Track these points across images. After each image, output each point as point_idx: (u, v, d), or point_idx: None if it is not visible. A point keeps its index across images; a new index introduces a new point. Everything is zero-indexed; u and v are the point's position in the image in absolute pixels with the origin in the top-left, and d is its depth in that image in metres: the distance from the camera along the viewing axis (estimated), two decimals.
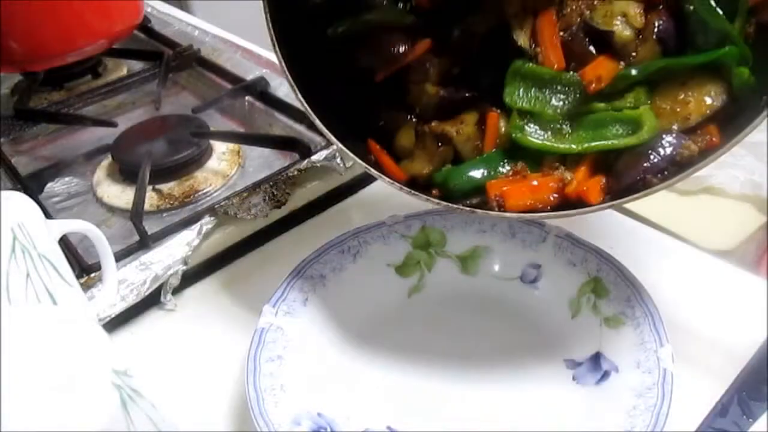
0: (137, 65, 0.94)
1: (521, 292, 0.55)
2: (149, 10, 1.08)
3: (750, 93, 0.41)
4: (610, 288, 0.51)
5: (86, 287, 0.56)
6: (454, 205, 0.46)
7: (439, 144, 0.50)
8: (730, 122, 0.41)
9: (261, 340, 0.49)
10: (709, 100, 0.42)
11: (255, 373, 0.47)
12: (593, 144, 0.44)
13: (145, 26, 0.99)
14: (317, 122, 0.49)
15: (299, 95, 0.49)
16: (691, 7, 0.44)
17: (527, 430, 0.46)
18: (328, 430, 0.46)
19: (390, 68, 0.52)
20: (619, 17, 0.46)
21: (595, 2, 0.47)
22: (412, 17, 0.53)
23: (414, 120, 0.52)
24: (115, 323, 0.57)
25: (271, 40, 0.49)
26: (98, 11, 0.81)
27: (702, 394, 0.38)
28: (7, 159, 0.73)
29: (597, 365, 0.49)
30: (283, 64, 0.49)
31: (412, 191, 0.47)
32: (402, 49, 0.51)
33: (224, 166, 0.72)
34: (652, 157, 0.41)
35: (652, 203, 0.45)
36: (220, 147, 0.74)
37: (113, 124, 0.78)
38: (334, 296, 0.54)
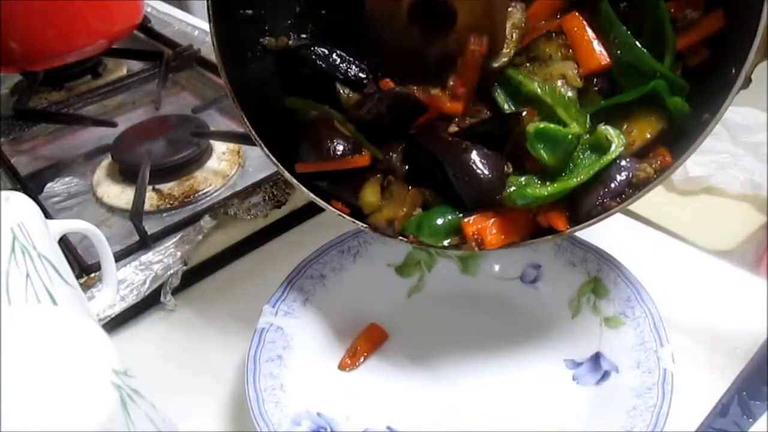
0: (137, 65, 0.94)
1: (521, 292, 0.55)
2: (149, 10, 1.08)
3: (689, 116, 0.43)
4: (610, 288, 0.51)
5: (86, 287, 0.56)
6: (435, 246, 0.46)
7: (409, 187, 0.49)
8: (679, 141, 0.43)
9: (261, 340, 0.49)
10: (650, 127, 0.44)
11: (255, 373, 0.47)
12: (587, 171, 0.44)
13: (145, 26, 0.99)
14: (300, 187, 0.50)
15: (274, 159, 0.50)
16: (619, 52, 0.46)
17: (527, 430, 0.46)
18: (328, 430, 0.46)
19: (324, 167, 0.50)
20: (559, 80, 0.47)
21: (532, 67, 0.48)
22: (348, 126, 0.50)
23: (379, 176, 0.49)
24: (115, 323, 0.57)
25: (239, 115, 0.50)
26: (98, 11, 0.81)
27: (702, 394, 0.38)
28: (7, 159, 0.73)
29: (597, 365, 0.49)
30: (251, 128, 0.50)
31: (389, 235, 0.47)
32: (340, 149, 0.49)
33: (224, 166, 0.72)
34: (609, 182, 0.43)
35: (652, 203, 0.45)
36: (220, 147, 0.74)
37: (113, 124, 0.78)
38: (334, 296, 0.54)
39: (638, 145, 0.44)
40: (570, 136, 0.43)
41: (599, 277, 0.52)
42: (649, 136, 0.44)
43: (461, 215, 0.46)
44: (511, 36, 0.48)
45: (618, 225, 0.45)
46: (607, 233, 0.47)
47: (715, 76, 0.42)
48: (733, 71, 0.40)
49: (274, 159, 0.50)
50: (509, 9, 0.48)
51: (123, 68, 0.96)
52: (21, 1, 0.74)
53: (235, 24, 0.51)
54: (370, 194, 0.49)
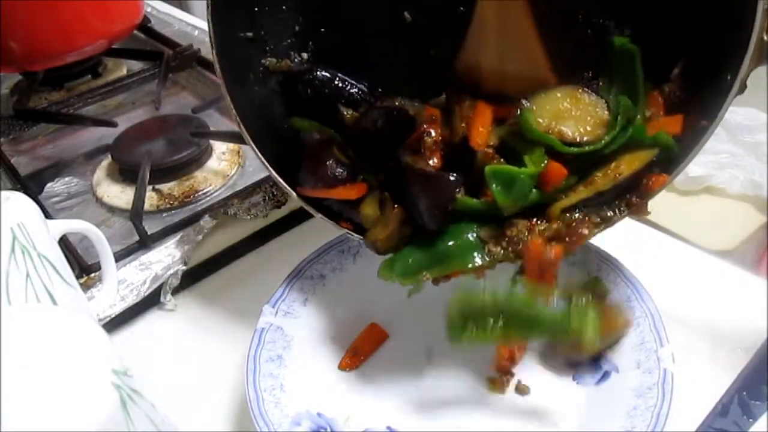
0: (137, 65, 0.94)
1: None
2: (149, 10, 1.08)
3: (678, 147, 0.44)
4: (610, 288, 0.51)
5: (86, 287, 0.56)
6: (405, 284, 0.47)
7: (394, 206, 0.49)
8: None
9: (261, 340, 0.49)
10: (637, 160, 0.45)
11: (255, 373, 0.47)
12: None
13: (145, 26, 0.99)
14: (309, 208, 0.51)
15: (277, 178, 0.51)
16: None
17: (527, 430, 0.46)
18: (328, 430, 0.46)
19: (320, 194, 0.50)
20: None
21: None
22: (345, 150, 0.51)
23: (377, 192, 0.50)
24: (115, 323, 0.57)
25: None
26: (98, 11, 0.81)
27: (702, 394, 0.38)
28: (7, 159, 0.73)
29: (597, 365, 0.49)
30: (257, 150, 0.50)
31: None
32: (336, 176, 0.49)
33: (224, 166, 0.72)
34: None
35: (653, 203, 0.45)
36: (220, 147, 0.74)
37: (113, 124, 0.79)
38: (334, 296, 0.54)
39: (625, 175, 0.44)
40: (523, 176, 0.44)
41: (599, 277, 0.52)
42: (637, 168, 0.45)
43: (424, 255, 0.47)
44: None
45: (618, 225, 0.45)
46: (607, 233, 0.47)
47: (710, 82, 0.42)
48: (729, 78, 0.40)
49: (282, 182, 0.50)
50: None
51: (123, 68, 0.96)
52: (21, 1, 0.74)
53: (237, 47, 0.51)
54: (368, 208, 0.49)
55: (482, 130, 0.47)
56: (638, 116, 0.46)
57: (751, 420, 0.34)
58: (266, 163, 0.50)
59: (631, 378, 0.46)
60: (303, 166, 0.51)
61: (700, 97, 0.43)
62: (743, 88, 0.40)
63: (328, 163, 0.50)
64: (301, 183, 0.51)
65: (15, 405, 0.29)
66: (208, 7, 0.48)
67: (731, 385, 0.34)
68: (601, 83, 0.48)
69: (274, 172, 0.50)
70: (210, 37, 0.49)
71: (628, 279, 0.51)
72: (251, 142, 0.50)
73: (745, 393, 0.34)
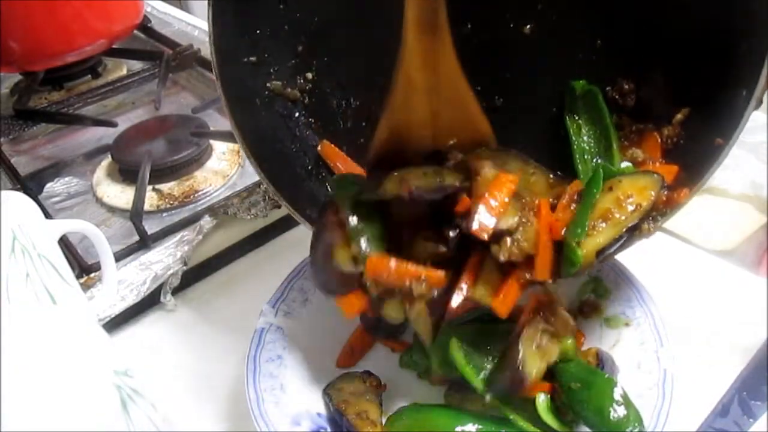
0: (137, 65, 0.94)
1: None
2: (149, 10, 1.08)
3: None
4: (611, 288, 0.51)
5: (86, 287, 0.56)
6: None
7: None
8: (691, 167, 0.44)
9: (261, 340, 0.49)
10: (646, 188, 0.44)
11: (255, 373, 0.47)
12: None
13: (145, 26, 0.99)
14: None
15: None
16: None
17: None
18: (328, 430, 0.46)
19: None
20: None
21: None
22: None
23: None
24: (115, 323, 0.57)
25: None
26: (98, 11, 0.82)
27: (702, 394, 0.38)
28: (7, 159, 0.73)
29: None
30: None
31: None
32: (346, 277, 0.44)
33: (224, 166, 0.72)
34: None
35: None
36: (220, 147, 0.74)
37: (113, 124, 0.79)
38: None
39: (645, 207, 0.43)
40: None
41: (599, 277, 0.52)
42: (653, 194, 0.43)
43: None
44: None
45: None
46: None
47: (725, 96, 0.42)
48: (744, 94, 0.40)
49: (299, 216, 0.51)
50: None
51: (123, 68, 0.96)
52: (21, 1, 0.74)
53: (241, 73, 0.51)
54: (393, 311, 0.45)
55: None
56: (614, 146, 0.48)
57: (751, 420, 0.34)
58: (292, 209, 0.51)
59: (631, 378, 0.46)
60: (313, 260, 0.46)
61: (715, 108, 0.43)
62: (759, 103, 0.40)
63: (334, 263, 0.44)
64: (312, 277, 0.48)
65: (15, 405, 0.29)
66: (210, 36, 0.47)
67: (731, 385, 0.34)
68: (569, 123, 0.50)
69: (294, 211, 0.51)
70: (213, 65, 0.48)
71: (628, 279, 0.51)
72: (258, 167, 0.50)
73: (745, 393, 0.34)
